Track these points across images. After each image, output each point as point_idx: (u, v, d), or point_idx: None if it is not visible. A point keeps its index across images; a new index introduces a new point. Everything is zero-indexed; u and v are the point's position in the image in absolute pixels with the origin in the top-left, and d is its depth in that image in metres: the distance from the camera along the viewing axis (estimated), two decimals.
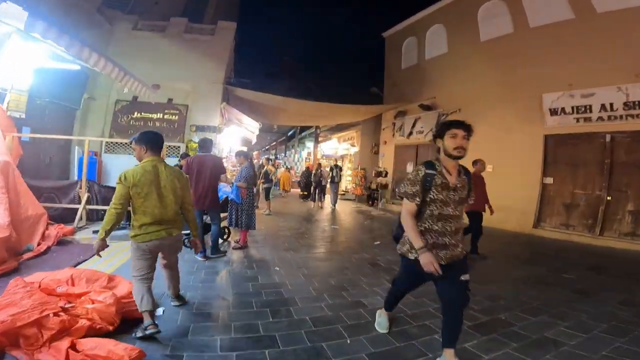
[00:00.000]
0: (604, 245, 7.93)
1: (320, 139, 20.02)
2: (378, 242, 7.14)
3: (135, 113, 10.23)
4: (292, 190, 18.36)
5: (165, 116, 10.37)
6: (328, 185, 13.07)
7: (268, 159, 13.04)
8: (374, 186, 12.01)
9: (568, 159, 8.96)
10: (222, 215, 5.88)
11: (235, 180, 6.04)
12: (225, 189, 6.16)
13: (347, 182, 17.92)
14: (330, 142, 20.15)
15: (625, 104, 7.93)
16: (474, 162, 6.10)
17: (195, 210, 4.29)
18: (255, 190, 6.51)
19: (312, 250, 6.34)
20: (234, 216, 5.95)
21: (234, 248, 5.90)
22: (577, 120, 8.72)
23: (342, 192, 16.39)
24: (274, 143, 42.98)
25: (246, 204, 5.90)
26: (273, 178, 12.38)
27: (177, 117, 10.41)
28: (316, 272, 4.94)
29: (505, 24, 10.34)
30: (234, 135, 11.73)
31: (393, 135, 14.31)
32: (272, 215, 10.27)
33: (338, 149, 19.82)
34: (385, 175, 11.74)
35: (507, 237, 8.96)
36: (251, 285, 4.27)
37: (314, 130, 20.99)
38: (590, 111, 8.50)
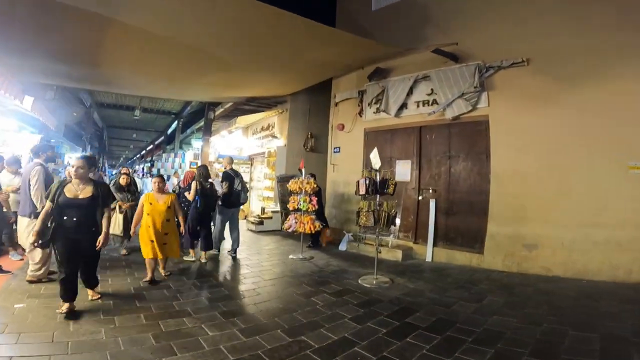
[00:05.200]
0: None
1: (214, 128, 11.50)
2: None
3: None
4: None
5: None
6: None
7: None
8: (366, 220, 4.29)
9: None
10: None
11: None
12: None
13: (262, 200, 9.93)
14: (231, 135, 11.82)
15: None
16: None
17: None
18: None
19: None
20: None
21: None
22: None
23: (257, 219, 8.35)
24: (151, 147, 31.49)
25: None
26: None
27: None
28: None
29: None
30: None
31: (360, 112, 7.10)
32: None
33: (244, 146, 11.66)
34: (394, 190, 4.39)
35: None
36: None
37: (202, 122, 12.26)
38: None
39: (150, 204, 4.17)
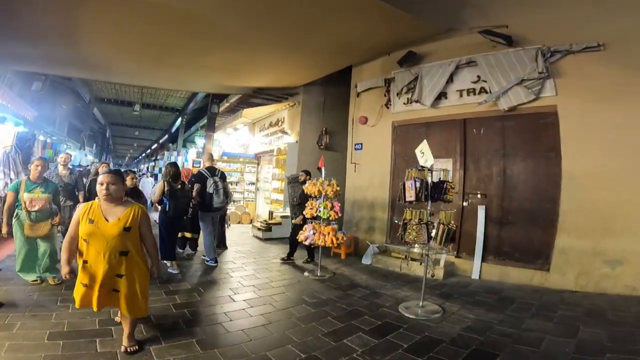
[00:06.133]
0: None
1: (218, 123, 10.42)
2: None
3: None
4: None
5: None
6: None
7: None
8: (416, 235, 3.11)
9: None
10: None
11: None
12: None
13: (270, 203, 8.85)
14: (236, 131, 10.79)
15: None
16: None
17: None
18: None
19: None
20: None
21: None
22: None
23: (264, 226, 7.27)
24: (155, 146, 30.58)
25: None
26: None
27: None
28: None
29: None
30: None
31: (387, 103, 6.01)
32: None
33: (250, 143, 10.62)
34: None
35: None
36: None
37: (206, 120, 11.14)
38: None
39: (91, 221, 2.19)
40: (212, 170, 5.01)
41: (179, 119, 17.37)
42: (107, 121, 20.83)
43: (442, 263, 4.48)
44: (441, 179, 3.17)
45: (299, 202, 5.21)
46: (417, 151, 3.33)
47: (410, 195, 3.09)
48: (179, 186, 4.45)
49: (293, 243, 5.17)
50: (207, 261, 4.80)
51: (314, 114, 8.15)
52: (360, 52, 6.21)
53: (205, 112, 12.56)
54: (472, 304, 3.70)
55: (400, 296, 3.92)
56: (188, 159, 15.43)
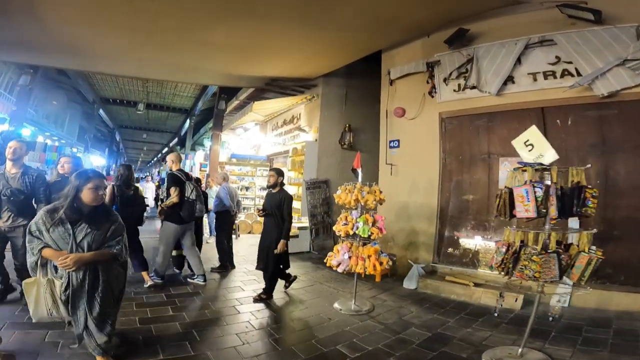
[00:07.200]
0: None
1: (225, 122, 9.36)
2: None
3: None
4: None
5: None
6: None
7: None
8: (541, 269, 1.93)
9: None
10: None
11: None
12: None
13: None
14: (246, 133, 9.76)
15: None
16: None
17: None
18: None
19: None
20: None
21: None
22: None
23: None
24: (166, 149, 29.95)
25: None
26: None
27: None
28: None
29: None
30: None
31: (431, 91, 4.89)
32: None
33: (261, 143, 9.56)
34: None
35: None
36: None
37: (213, 120, 10.08)
38: None
39: None
40: (185, 173, 4.12)
41: (187, 121, 16.55)
42: (115, 124, 20.16)
43: (567, 301, 3.28)
44: (578, 183, 2.00)
45: (265, 212, 3.75)
46: (518, 142, 2.21)
47: (526, 209, 1.93)
48: (132, 192, 3.84)
49: (273, 274, 3.71)
50: (151, 279, 3.85)
51: (335, 109, 7.08)
52: (393, 33, 5.11)
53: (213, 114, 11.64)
54: (586, 344, 2.61)
55: (476, 339, 2.78)
56: (195, 162, 14.56)
